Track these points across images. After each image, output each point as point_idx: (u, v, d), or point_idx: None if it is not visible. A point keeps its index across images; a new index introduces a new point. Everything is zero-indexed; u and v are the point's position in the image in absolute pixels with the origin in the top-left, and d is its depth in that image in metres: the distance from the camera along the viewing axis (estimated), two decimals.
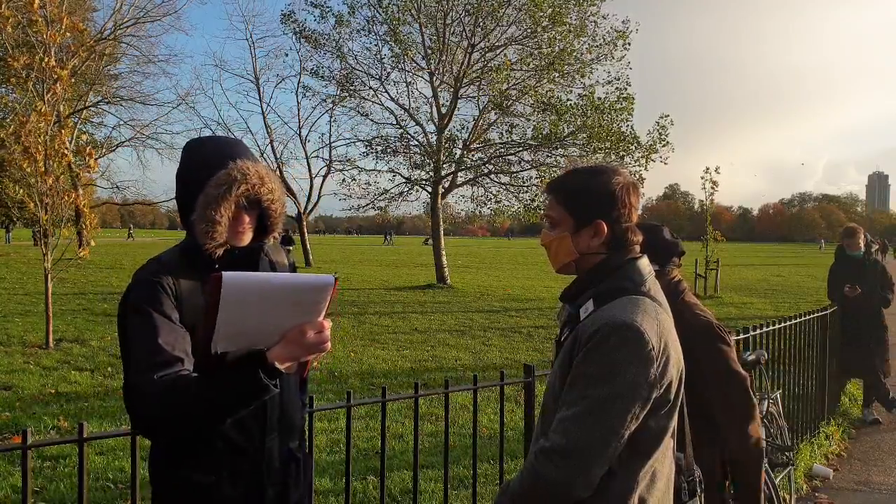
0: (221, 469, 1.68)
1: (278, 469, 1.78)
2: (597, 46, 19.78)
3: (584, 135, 18.88)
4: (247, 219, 1.72)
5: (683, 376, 1.63)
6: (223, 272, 1.47)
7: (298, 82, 23.16)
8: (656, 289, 1.66)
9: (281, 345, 1.55)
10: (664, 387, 1.53)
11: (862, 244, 6.69)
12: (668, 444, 1.62)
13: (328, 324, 1.60)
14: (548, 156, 19.94)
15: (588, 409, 1.48)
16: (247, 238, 1.76)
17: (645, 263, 1.67)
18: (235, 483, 1.69)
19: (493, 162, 20.66)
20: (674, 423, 1.61)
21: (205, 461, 1.66)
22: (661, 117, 19.17)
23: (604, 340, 1.50)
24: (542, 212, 1.85)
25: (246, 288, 1.51)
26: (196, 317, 1.60)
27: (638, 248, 1.69)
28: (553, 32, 19.09)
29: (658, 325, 1.54)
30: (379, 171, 21.62)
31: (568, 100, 19.44)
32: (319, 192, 25.05)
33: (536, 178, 19.91)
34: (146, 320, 1.57)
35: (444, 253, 20.42)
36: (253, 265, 1.78)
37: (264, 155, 22.45)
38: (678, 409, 1.64)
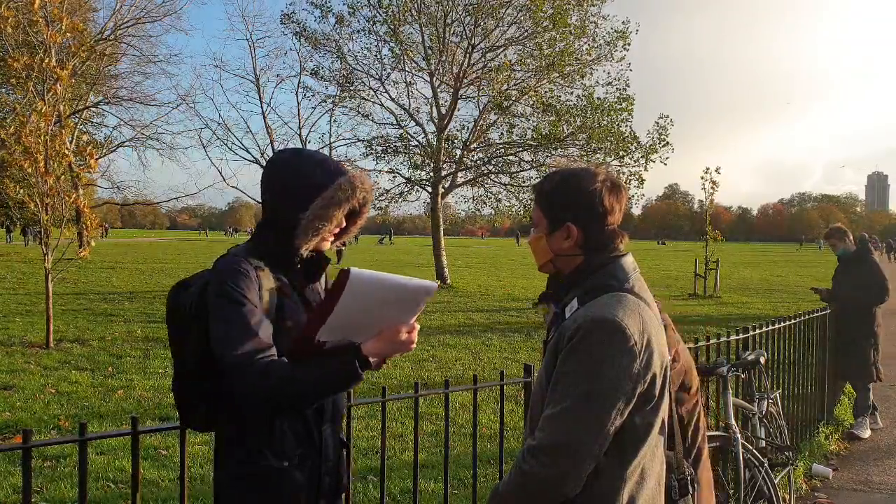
0: (291, 455, 1.78)
1: (334, 459, 1.90)
2: (597, 47, 19.81)
3: (584, 135, 18.89)
4: (344, 224, 1.86)
5: (669, 372, 1.64)
6: (351, 268, 1.59)
7: (298, 82, 23.06)
8: (641, 286, 1.67)
9: (375, 339, 1.67)
10: (648, 382, 1.54)
11: (841, 244, 6.62)
12: (658, 441, 1.63)
13: (417, 326, 1.72)
14: (548, 156, 19.95)
15: (573, 405, 1.49)
16: (329, 243, 1.89)
17: (629, 261, 1.68)
18: (303, 469, 1.80)
19: (493, 162, 20.67)
20: (661, 419, 1.62)
21: (277, 448, 1.77)
22: (661, 117, 19.22)
23: (586, 337, 1.52)
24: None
25: (367, 286, 1.62)
26: (269, 311, 1.73)
27: (622, 246, 1.69)
28: (553, 33, 19.10)
29: (641, 320, 1.55)
30: (379, 171, 21.59)
31: (568, 100, 19.46)
32: None
33: (536, 178, 19.92)
34: (239, 307, 1.66)
35: (444, 253, 20.43)
36: (320, 270, 1.92)
37: (265, 155, 22.39)
38: (666, 405, 1.64)
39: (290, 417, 1.78)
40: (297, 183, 1.80)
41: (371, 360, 1.67)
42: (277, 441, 1.76)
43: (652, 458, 1.61)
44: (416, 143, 21.12)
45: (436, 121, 20.66)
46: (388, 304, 1.66)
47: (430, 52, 19.94)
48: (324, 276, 1.99)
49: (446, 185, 20.83)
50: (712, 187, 19.38)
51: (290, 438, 1.78)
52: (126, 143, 34.28)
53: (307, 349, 1.66)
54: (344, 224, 1.86)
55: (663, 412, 1.63)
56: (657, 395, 1.57)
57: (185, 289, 1.83)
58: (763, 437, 4.13)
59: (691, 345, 3.81)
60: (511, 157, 20.42)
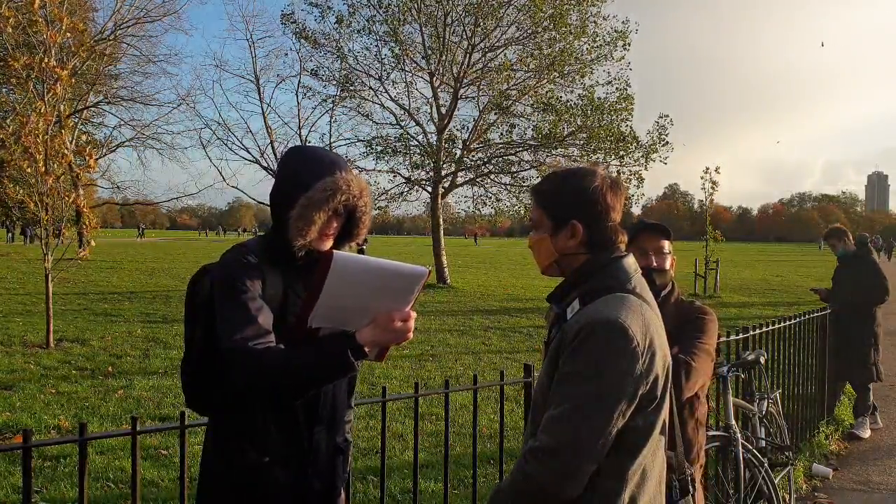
0: (273, 453, 1.78)
1: (325, 462, 1.87)
2: (597, 47, 19.81)
3: (584, 135, 18.91)
4: (335, 225, 1.83)
5: (670, 373, 1.64)
6: (335, 251, 1.61)
7: (298, 82, 23.00)
8: (642, 286, 1.66)
9: (370, 327, 1.66)
10: (650, 383, 1.54)
11: (841, 245, 6.63)
12: (659, 442, 1.63)
13: (413, 314, 1.70)
14: (548, 156, 19.95)
15: (575, 407, 1.49)
16: (329, 243, 1.85)
17: (630, 262, 1.68)
18: (286, 468, 1.79)
19: (493, 162, 20.68)
20: (662, 420, 1.62)
21: (257, 443, 1.77)
22: (661, 117, 19.26)
23: (589, 338, 1.51)
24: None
25: (352, 267, 1.63)
26: (272, 303, 1.74)
27: (623, 246, 1.69)
28: (553, 33, 19.10)
29: (643, 321, 1.55)
30: (379, 171, 21.59)
31: (568, 100, 19.47)
32: None
33: (537, 178, 19.90)
34: (238, 295, 1.70)
35: (444, 253, 20.42)
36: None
37: (265, 155, 22.37)
38: (667, 406, 1.64)
39: (278, 414, 1.77)
40: (287, 182, 1.81)
41: (367, 349, 1.66)
42: (260, 437, 1.76)
43: (653, 458, 1.61)
44: (416, 143, 21.12)
45: (436, 121, 20.65)
46: (378, 290, 1.65)
47: (430, 52, 19.94)
48: None
49: (446, 185, 20.83)
50: (712, 187, 19.39)
51: (275, 436, 1.78)
52: (126, 143, 34.30)
53: (300, 331, 1.67)
54: (335, 224, 1.82)
55: (665, 413, 1.63)
56: (659, 395, 1.57)
57: (205, 275, 1.86)
58: (763, 437, 4.13)
59: None
60: (511, 157, 20.43)
